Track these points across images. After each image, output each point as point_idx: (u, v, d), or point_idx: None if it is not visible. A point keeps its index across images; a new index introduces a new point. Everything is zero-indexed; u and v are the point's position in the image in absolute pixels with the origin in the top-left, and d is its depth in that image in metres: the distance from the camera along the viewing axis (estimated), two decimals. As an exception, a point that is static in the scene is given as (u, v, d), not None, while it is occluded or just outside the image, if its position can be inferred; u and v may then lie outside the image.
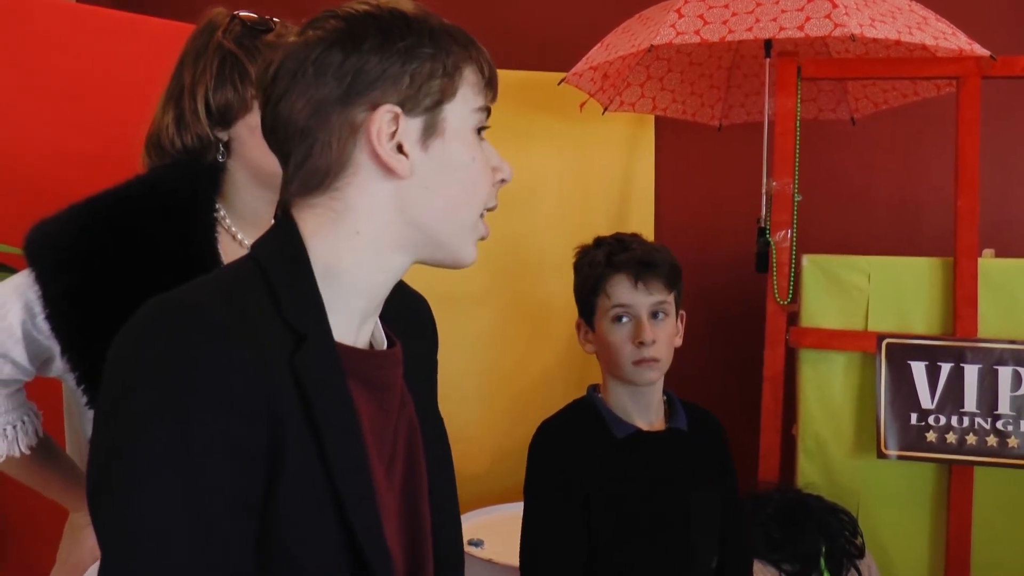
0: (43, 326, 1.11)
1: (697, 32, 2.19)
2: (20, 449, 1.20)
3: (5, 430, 1.18)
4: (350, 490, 0.82)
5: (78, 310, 1.08)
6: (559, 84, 2.69)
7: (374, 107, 0.86)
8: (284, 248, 0.88)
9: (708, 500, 1.63)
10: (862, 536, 2.11)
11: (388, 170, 0.88)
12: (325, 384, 0.83)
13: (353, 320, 0.90)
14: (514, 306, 3.04)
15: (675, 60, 2.83)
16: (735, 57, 2.88)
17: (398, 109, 0.87)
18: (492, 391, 3.00)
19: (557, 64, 2.78)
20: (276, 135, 0.90)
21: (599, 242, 1.66)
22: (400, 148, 0.88)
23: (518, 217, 3.01)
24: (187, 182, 1.16)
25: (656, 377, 1.59)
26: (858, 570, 2.03)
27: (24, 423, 1.21)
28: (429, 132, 0.89)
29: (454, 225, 0.92)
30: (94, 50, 2.11)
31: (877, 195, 3.07)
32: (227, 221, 1.20)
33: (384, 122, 0.87)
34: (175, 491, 0.74)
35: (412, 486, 0.97)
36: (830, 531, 2.05)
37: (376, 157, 0.87)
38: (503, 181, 0.97)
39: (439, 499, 1.02)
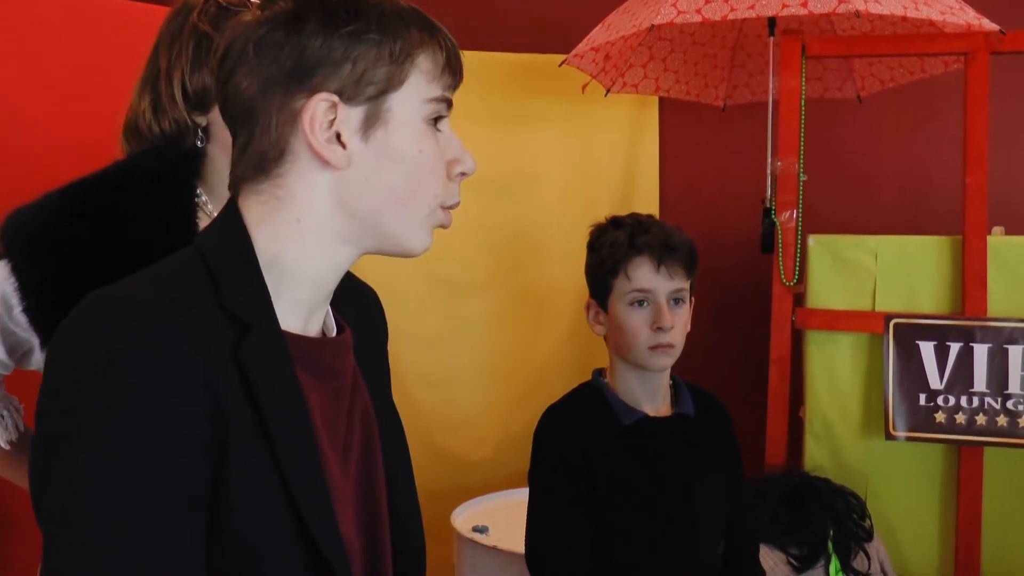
0: (20, 319, 1.09)
1: (699, 11, 2.15)
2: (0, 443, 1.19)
3: None
4: (299, 478, 0.81)
5: (56, 302, 1.05)
6: (560, 66, 2.66)
7: (312, 94, 0.84)
8: (228, 237, 0.86)
9: (714, 485, 1.61)
10: (871, 519, 2.09)
11: (323, 160, 0.85)
12: (271, 373, 0.82)
13: (300, 309, 0.89)
14: (519, 292, 3.02)
15: (678, 40, 2.80)
16: (739, 36, 2.84)
17: (335, 98, 0.84)
18: (497, 377, 2.99)
19: (558, 46, 2.75)
20: (226, 115, 0.89)
21: (618, 222, 1.61)
22: (339, 137, 0.85)
23: (521, 203, 2.99)
24: (166, 167, 1.14)
25: (670, 363, 1.57)
26: (866, 553, 2.01)
27: (3, 417, 1.20)
28: (371, 122, 0.86)
29: (399, 218, 0.89)
30: (97, 40, 2.10)
31: (885, 174, 3.03)
32: (209, 207, 1.18)
33: (319, 111, 0.84)
34: (117, 484, 0.73)
35: (368, 475, 0.96)
36: (838, 514, 2.03)
37: (311, 147, 0.85)
38: (463, 174, 0.93)
39: (398, 490, 1.00)
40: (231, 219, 0.87)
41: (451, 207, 0.93)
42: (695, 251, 1.59)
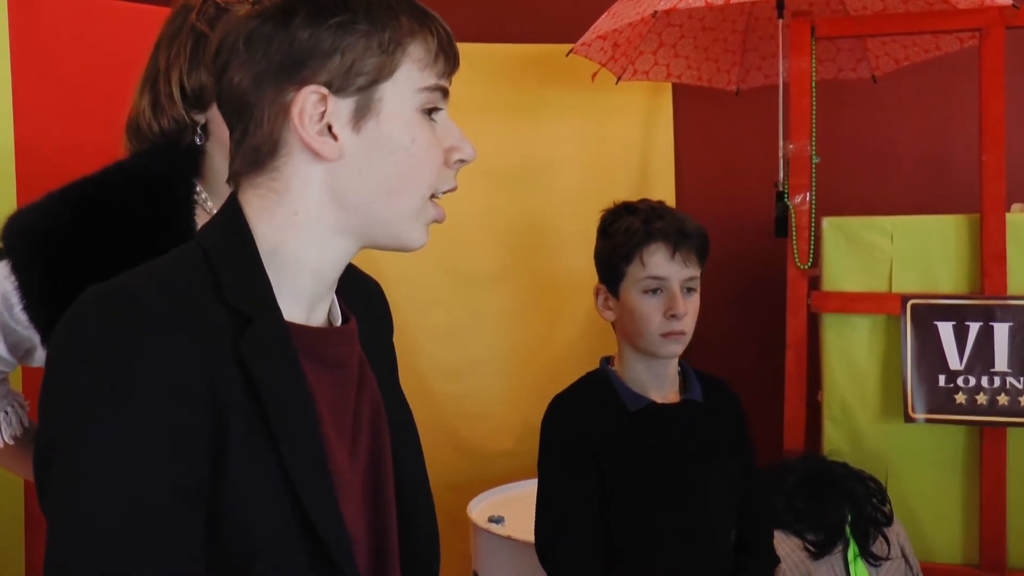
0: (21, 317, 1.11)
1: (702, -6, 2.14)
2: (3, 439, 1.21)
3: None
4: (301, 469, 0.81)
5: (56, 299, 1.07)
6: (567, 55, 2.65)
7: (302, 86, 0.84)
8: (228, 231, 0.87)
9: (725, 472, 1.60)
10: (890, 503, 2.06)
11: (314, 153, 0.85)
12: (272, 364, 0.82)
13: (303, 300, 0.89)
14: (535, 282, 3.02)
15: (687, 26, 2.78)
16: (749, 19, 2.82)
17: (325, 90, 0.84)
18: (516, 368, 2.99)
19: (565, 35, 2.74)
20: (222, 110, 0.89)
21: (631, 207, 1.60)
22: (330, 129, 0.85)
23: (536, 193, 2.99)
24: (165, 166, 1.15)
25: (680, 350, 1.57)
26: (886, 538, 1.99)
27: (7, 414, 1.22)
28: (362, 113, 0.86)
29: (393, 209, 0.88)
30: (112, 43, 2.12)
31: (902, 154, 2.98)
32: (208, 204, 1.19)
33: (309, 104, 0.84)
34: (113, 478, 0.74)
35: (377, 465, 0.95)
36: (856, 499, 2.00)
37: (301, 140, 0.85)
38: (462, 161, 0.92)
39: (409, 480, 1.00)
40: (231, 213, 0.88)
41: (447, 191, 0.92)
42: (707, 238, 1.59)
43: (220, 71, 0.86)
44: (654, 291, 1.54)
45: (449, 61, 0.90)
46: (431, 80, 0.88)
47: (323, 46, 0.83)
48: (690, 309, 1.55)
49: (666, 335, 1.53)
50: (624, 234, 1.56)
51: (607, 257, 1.60)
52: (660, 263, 1.54)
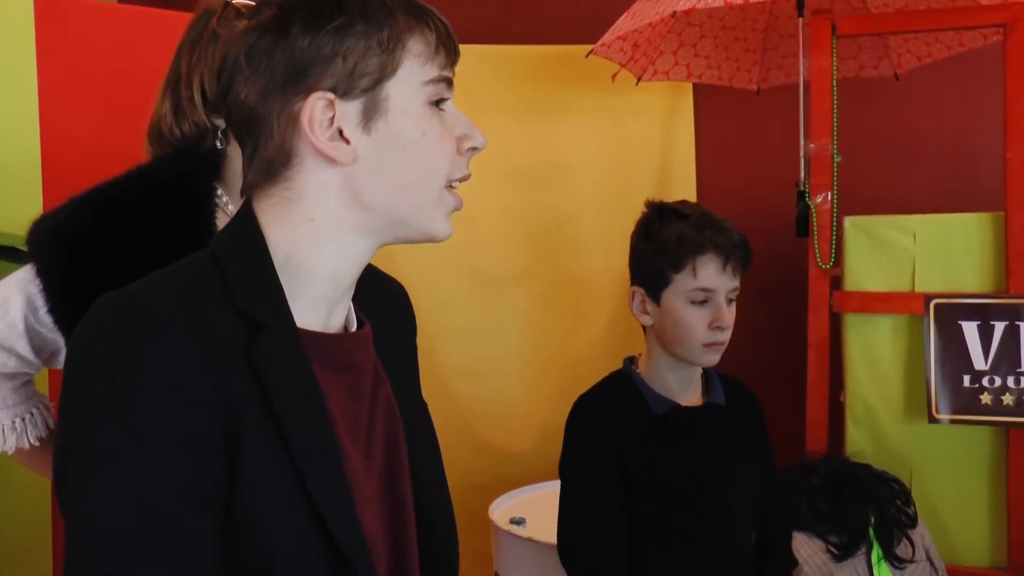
0: (46, 319, 1.13)
1: (721, -6, 2.13)
2: (29, 441, 1.23)
3: (14, 423, 1.21)
4: (315, 475, 0.81)
5: (79, 302, 1.08)
6: (587, 56, 2.65)
7: (308, 95, 0.84)
8: (241, 239, 0.87)
9: (747, 474, 1.60)
10: (914, 505, 2.04)
11: (328, 159, 0.85)
12: (284, 371, 0.82)
13: (319, 305, 0.89)
14: (556, 283, 3.02)
15: (707, 25, 2.77)
16: (769, 18, 2.80)
17: (331, 95, 0.84)
18: (538, 369, 2.99)
19: (585, 36, 2.74)
20: (231, 126, 0.90)
21: (678, 212, 1.57)
22: (341, 133, 0.85)
23: (558, 194, 2.99)
24: (186, 169, 1.17)
25: (718, 359, 1.55)
26: (910, 540, 1.97)
27: (32, 415, 1.24)
28: (370, 113, 0.86)
29: (412, 203, 0.88)
30: (136, 49, 2.14)
31: (924, 152, 2.95)
32: (229, 207, 1.20)
33: (317, 110, 0.84)
34: (125, 485, 0.74)
35: (393, 470, 0.95)
36: (880, 500, 1.99)
37: (314, 147, 0.85)
38: (474, 149, 0.92)
39: (426, 484, 1.00)
40: (245, 221, 0.88)
41: (462, 179, 0.92)
42: (751, 248, 1.57)
43: (225, 88, 0.87)
44: (701, 302, 1.52)
45: (450, 52, 0.90)
46: (434, 72, 0.88)
47: (324, 52, 0.83)
48: (732, 319, 1.55)
49: (708, 345, 1.52)
50: (676, 241, 1.53)
51: (652, 262, 1.56)
52: (712, 275, 1.52)
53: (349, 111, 0.85)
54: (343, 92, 0.84)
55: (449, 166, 0.90)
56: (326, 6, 0.84)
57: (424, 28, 0.88)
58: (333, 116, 0.85)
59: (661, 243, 1.54)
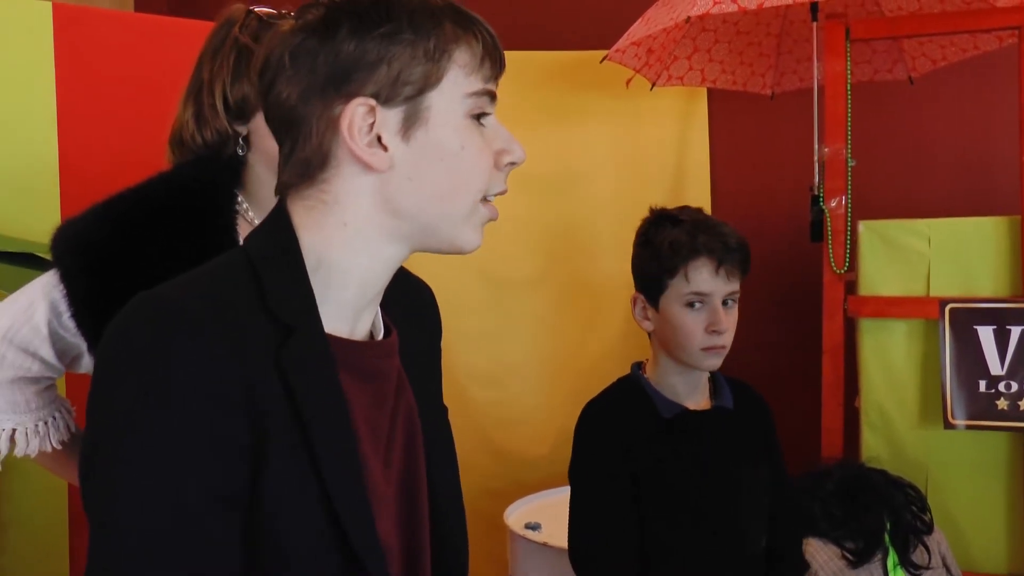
0: (69, 324, 1.15)
1: (735, 0, 2.13)
2: (51, 444, 1.24)
3: (37, 426, 1.22)
4: (337, 480, 0.81)
5: (100, 308, 1.10)
6: (601, 62, 2.65)
7: (349, 99, 0.84)
8: (275, 241, 0.87)
9: (756, 478, 1.60)
10: (930, 511, 2.03)
11: (365, 165, 0.85)
12: (312, 376, 0.82)
13: (346, 311, 0.89)
14: (571, 288, 3.02)
15: (722, 30, 2.77)
16: (783, 23, 2.80)
17: (373, 101, 0.84)
18: (553, 374, 2.99)
19: (599, 42, 2.74)
20: (271, 124, 0.89)
21: (673, 218, 1.58)
22: (380, 140, 0.85)
23: (572, 199, 3.00)
24: (208, 176, 1.18)
25: (720, 363, 1.56)
26: (926, 546, 1.96)
27: (55, 419, 1.25)
28: (411, 122, 0.85)
29: (445, 214, 0.88)
30: (156, 57, 2.16)
31: (938, 155, 2.94)
32: (250, 214, 1.22)
33: (358, 116, 0.84)
34: (152, 485, 0.75)
35: (410, 478, 0.95)
36: (895, 506, 1.98)
37: (352, 152, 0.85)
38: (512, 164, 0.91)
39: (442, 492, 1.00)
40: (279, 222, 0.88)
41: (498, 194, 0.92)
42: (749, 251, 1.58)
43: (267, 87, 0.87)
44: (694, 305, 1.53)
45: (495, 64, 0.89)
46: (478, 85, 0.87)
47: (369, 57, 0.83)
48: (730, 323, 1.55)
49: (707, 349, 1.53)
50: (669, 247, 1.54)
51: (648, 268, 1.58)
52: (705, 279, 1.53)
53: (389, 118, 0.85)
54: (385, 99, 0.84)
55: (486, 181, 0.89)
56: (374, 11, 0.84)
57: (471, 39, 0.87)
58: (373, 122, 0.84)
59: (656, 249, 1.56)
